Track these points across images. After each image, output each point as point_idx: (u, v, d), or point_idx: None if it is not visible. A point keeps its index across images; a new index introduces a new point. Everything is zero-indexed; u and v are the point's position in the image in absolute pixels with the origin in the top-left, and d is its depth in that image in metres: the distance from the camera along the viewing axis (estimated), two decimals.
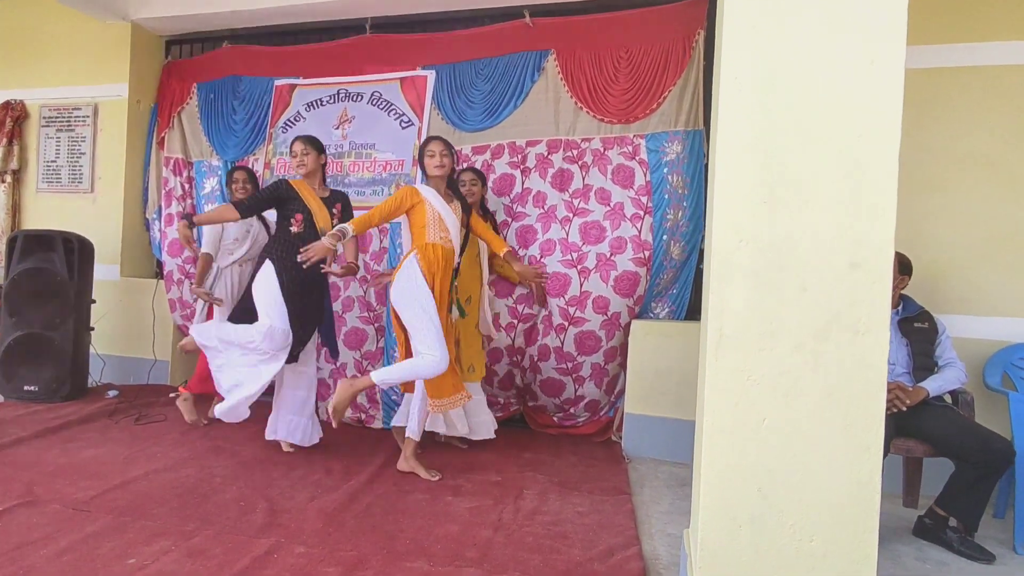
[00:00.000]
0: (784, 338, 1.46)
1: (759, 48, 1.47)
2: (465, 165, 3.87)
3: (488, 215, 3.65)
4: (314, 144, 3.21)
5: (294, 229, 3.06)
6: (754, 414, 1.47)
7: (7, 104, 4.92)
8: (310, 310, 3.18)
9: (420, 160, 3.06)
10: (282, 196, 3.12)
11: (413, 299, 2.84)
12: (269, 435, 3.23)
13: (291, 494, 2.69)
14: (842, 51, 1.42)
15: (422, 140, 4.02)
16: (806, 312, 1.45)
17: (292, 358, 3.15)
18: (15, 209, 4.99)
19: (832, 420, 1.44)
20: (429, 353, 2.77)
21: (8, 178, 4.94)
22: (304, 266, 2.84)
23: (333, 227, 3.06)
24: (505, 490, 2.84)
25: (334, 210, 3.20)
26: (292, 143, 3.21)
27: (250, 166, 4.47)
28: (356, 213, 4.02)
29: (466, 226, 3.16)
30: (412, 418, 2.99)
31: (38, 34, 4.90)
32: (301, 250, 2.85)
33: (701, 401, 1.56)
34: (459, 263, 3.10)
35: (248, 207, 3.09)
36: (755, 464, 1.47)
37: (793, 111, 1.46)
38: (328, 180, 4.29)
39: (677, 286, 3.74)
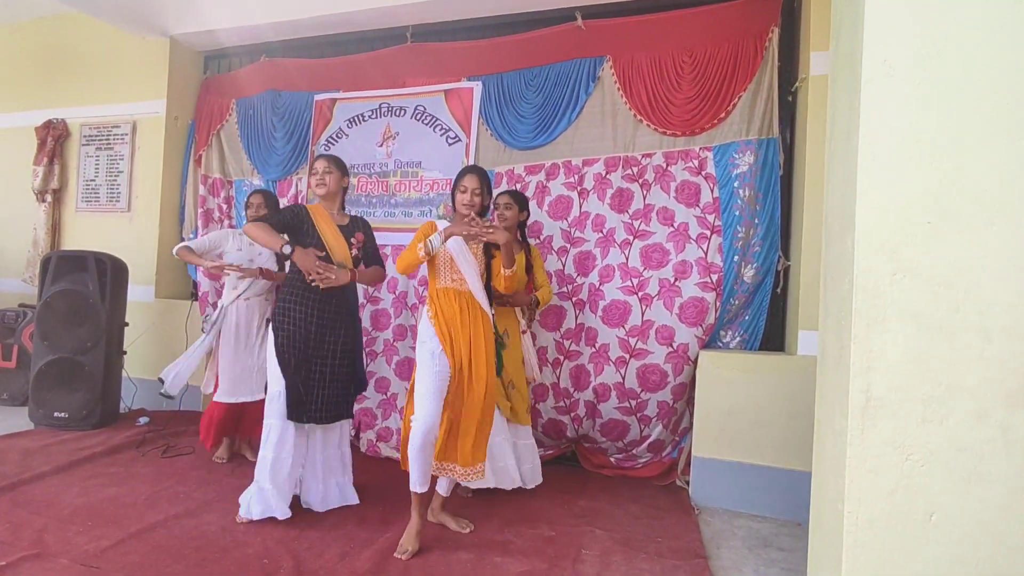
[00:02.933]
0: (961, 404, 1.09)
1: (919, 19, 1.11)
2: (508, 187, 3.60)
3: (524, 244, 3.13)
4: (338, 164, 2.81)
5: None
6: (919, 505, 1.10)
7: (49, 123, 4.87)
8: (329, 362, 2.73)
9: (452, 190, 2.62)
10: (297, 224, 2.68)
11: (420, 352, 2.52)
12: (304, 502, 2.79)
13: (320, 549, 2.39)
14: None
15: (470, 158, 3.77)
16: (992, 369, 1.07)
17: (312, 417, 2.67)
18: (55, 229, 4.93)
19: None
20: (413, 416, 2.44)
21: (49, 197, 4.89)
22: (314, 283, 2.57)
23: (353, 261, 2.73)
24: (561, 549, 2.48)
25: (353, 240, 2.76)
26: (315, 160, 2.82)
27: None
28: (396, 236, 3.88)
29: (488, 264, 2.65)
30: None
31: (79, 52, 4.86)
32: (314, 274, 2.55)
33: (836, 481, 1.19)
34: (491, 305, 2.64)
35: (274, 222, 2.72)
36: (922, 573, 1.09)
37: (972, 98, 1.09)
38: (374, 200, 4.10)
39: (750, 312, 3.34)
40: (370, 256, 2.86)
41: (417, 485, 2.43)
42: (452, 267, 2.55)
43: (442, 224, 2.57)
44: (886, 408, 1.12)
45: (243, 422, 3.41)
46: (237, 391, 3.32)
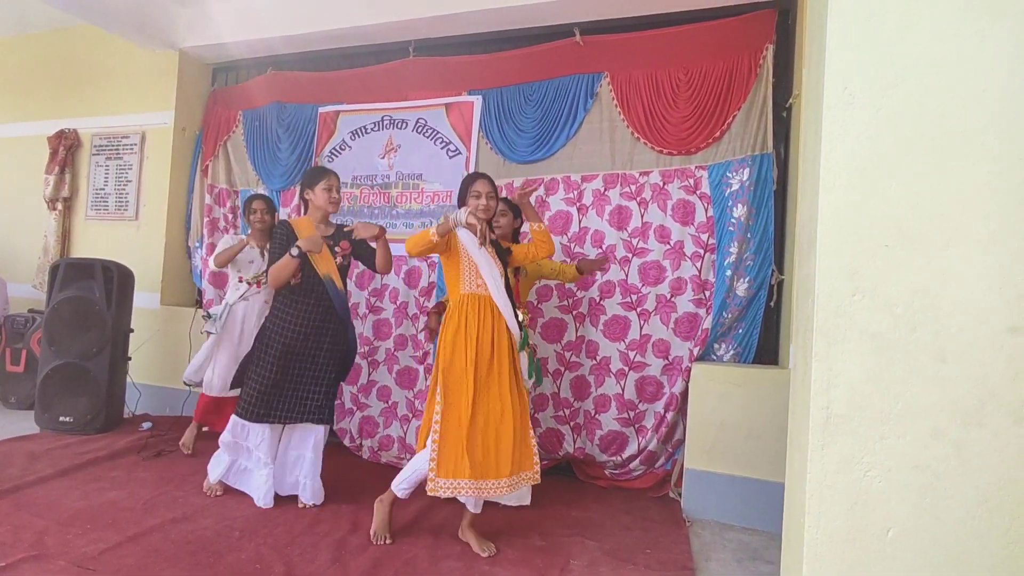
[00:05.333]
0: (917, 422, 1.12)
1: (878, 48, 1.16)
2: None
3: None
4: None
5: (292, 281, 2.78)
6: (876, 521, 1.13)
7: (61, 133, 4.98)
8: (314, 364, 2.87)
9: (462, 198, 2.65)
10: (288, 241, 2.81)
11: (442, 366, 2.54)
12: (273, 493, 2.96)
13: (312, 555, 2.43)
14: (993, 48, 1.10)
15: (470, 171, 3.82)
16: (947, 389, 1.11)
17: (286, 418, 2.86)
18: (65, 236, 5.03)
19: (987, 535, 1.08)
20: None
21: (59, 205, 4.99)
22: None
23: (337, 269, 2.85)
24: (549, 559, 2.51)
25: (337, 248, 2.88)
26: (329, 177, 2.95)
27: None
28: (397, 247, 3.89)
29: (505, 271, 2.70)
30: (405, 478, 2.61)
31: (90, 64, 4.98)
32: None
33: (799, 496, 1.22)
34: (519, 317, 2.64)
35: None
36: None
37: (927, 125, 1.13)
38: (376, 211, 4.17)
39: (743, 325, 3.37)
40: (365, 255, 2.95)
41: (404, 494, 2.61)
42: (475, 272, 2.58)
43: (459, 230, 2.61)
44: (846, 425, 1.15)
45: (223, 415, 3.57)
46: (227, 386, 3.50)
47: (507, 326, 2.57)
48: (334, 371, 2.94)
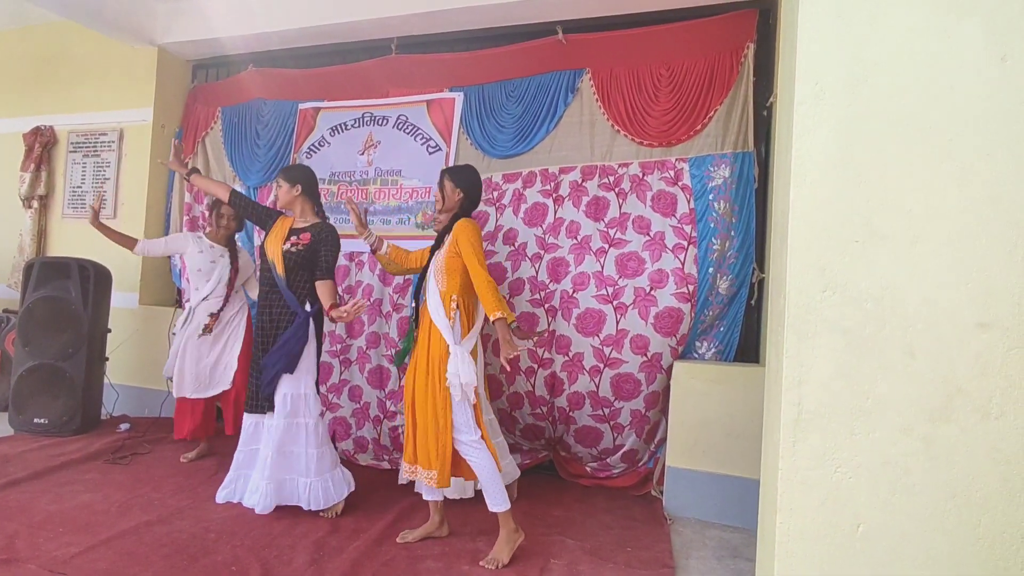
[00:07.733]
0: (886, 418, 1.12)
1: (848, 44, 1.15)
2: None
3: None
4: (286, 176, 2.97)
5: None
6: (847, 516, 1.12)
7: (36, 130, 4.89)
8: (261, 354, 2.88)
9: (478, 192, 2.85)
10: (265, 220, 3.02)
11: None
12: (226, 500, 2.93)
13: (290, 556, 2.40)
14: (961, 45, 1.10)
15: (449, 167, 3.81)
16: (916, 385, 1.11)
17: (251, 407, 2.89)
18: (41, 235, 4.95)
19: (955, 529, 1.08)
20: None
21: (35, 203, 4.90)
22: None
23: (283, 255, 2.81)
24: (529, 558, 2.50)
25: (294, 237, 2.86)
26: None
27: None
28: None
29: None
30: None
31: (68, 60, 4.89)
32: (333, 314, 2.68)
33: (772, 493, 1.22)
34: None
35: (240, 202, 3.06)
36: None
37: (895, 122, 1.13)
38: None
39: (725, 323, 3.37)
40: (320, 266, 2.82)
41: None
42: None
43: None
44: (816, 421, 1.15)
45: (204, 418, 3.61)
46: (203, 387, 3.51)
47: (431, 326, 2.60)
48: (283, 360, 2.83)
